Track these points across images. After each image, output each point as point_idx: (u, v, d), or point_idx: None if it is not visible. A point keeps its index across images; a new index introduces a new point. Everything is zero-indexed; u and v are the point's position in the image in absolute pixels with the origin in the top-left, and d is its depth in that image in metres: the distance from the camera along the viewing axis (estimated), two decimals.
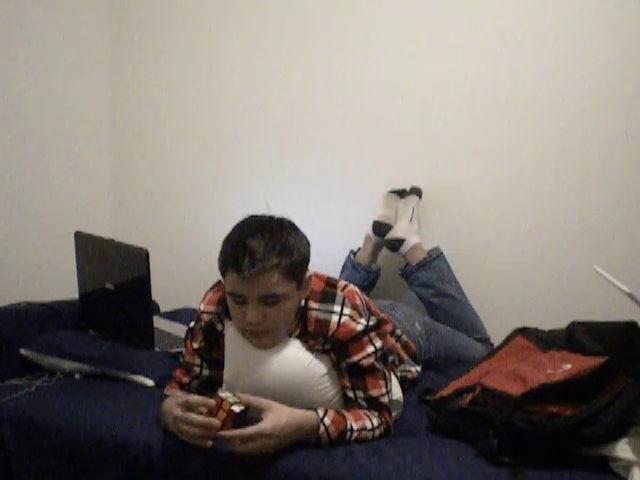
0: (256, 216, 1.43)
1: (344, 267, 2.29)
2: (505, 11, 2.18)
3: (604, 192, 2.08)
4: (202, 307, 1.51)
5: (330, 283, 1.52)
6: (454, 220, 2.27)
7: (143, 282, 1.80)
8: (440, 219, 2.29)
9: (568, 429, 1.20)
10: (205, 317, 1.49)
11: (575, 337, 1.48)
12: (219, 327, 1.48)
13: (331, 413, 1.35)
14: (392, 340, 1.72)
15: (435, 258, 2.17)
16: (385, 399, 1.42)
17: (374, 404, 1.41)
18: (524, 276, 2.18)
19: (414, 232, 2.21)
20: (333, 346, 1.42)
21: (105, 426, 1.46)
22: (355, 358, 1.40)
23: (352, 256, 2.28)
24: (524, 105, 2.16)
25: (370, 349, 1.41)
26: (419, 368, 1.80)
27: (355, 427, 1.36)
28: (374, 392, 1.41)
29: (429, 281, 2.15)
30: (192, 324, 1.54)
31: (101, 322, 1.99)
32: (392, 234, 2.20)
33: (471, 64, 2.22)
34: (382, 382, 1.42)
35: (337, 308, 1.41)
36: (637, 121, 2.04)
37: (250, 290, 1.32)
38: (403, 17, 2.30)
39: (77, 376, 1.80)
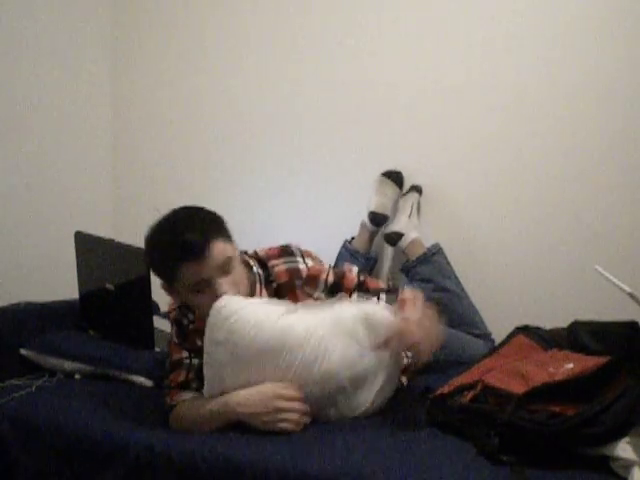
0: (168, 216, 1.54)
1: (340, 256, 2.28)
2: (503, 5, 2.18)
3: (606, 190, 2.08)
4: (167, 310, 1.60)
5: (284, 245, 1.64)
6: (454, 217, 2.27)
7: (143, 282, 1.79)
8: (440, 216, 2.29)
9: (570, 429, 1.20)
10: (172, 316, 1.56)
11: (577, 337, 1.47)
12: (185, 321, 1.54)
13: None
14: None
15: (435, 253, 2.17)
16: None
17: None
18: (524, 275, 2.18)
19: (413, 227, 2.21)
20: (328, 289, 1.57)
21: (105, 426, 1.46)
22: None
23: (348, 245, 2.28)
24: (526, 101, 2.15)
25: (354, 268, 1.64)
26: (409, 354, 1.77)
27: None
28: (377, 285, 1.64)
29: (429, 276, 2.15)
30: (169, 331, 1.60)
31: (101, 322, 1.99)
32: (391, 228, 2.21)
33: (470, 58, 2.22)
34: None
35: (299, 259, 1.56)
36: (638, 120, 2.03)
37: (210, 267, 1.39)
38: (399, 7, 2.30)
39: (77, 376, 1.80)
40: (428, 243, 2.20)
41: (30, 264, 2.43)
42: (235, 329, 1.37)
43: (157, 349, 1.87)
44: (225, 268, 1.41)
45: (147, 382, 1.72)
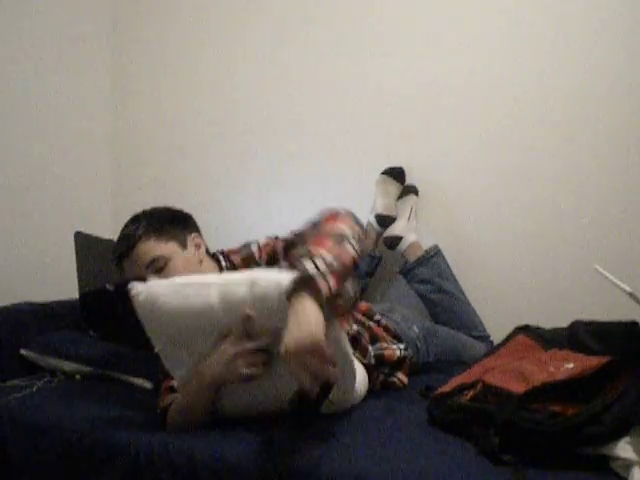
0: None
1: None
2: (502, 6, 2.18)
3: (605, 190, 2.08)
4: None
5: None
6: (453, 219, 2.27)
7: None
8: (439, 217, 2.29)
9: (570, 429, 1.20)
10: None
11: (577, 336, 1.47)
12: None
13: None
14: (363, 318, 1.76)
15: (434, 255, 2.17)
16: None
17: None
18: (524, 275, 2.18)
19: (411, 230, 2.22)
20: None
21: (105, 427, 1.45)
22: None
23: None
24: (527, 103, 2.16)
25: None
26: (402, 346, 1.76)
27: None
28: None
29: (428, 277, 2.15)
30: None
31: (101, 322, 1.98)
32: (390, 232, 2.21)
33: (471, 57, 2.22)
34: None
35: (253, 245, 1.66)
36: (637, 119, 2.03)
37: (138, 266, 1.51)
38: (400, 7, 2.31)
39: (77, 377, 1.80)
40: (427, 245, 2.20)
41: (30, 264, 2.43)
42: (163, 313, 1.38)
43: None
44: (156, 267, 1.53)
45: (147, 384, 1.72)
